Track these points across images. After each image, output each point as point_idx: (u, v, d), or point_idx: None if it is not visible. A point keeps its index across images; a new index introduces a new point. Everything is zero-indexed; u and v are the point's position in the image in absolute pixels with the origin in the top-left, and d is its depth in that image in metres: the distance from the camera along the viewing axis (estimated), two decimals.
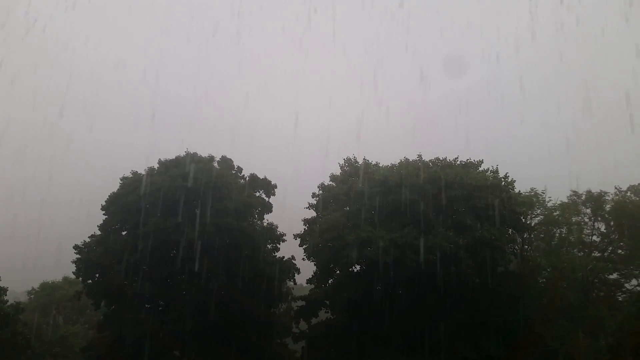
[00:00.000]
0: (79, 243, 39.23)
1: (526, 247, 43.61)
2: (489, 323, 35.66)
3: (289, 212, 46.78)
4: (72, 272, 40.65)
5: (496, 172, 40.65)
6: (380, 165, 41.33)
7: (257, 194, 43.30)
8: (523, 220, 41.10)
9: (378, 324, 36.44)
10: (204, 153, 41.87)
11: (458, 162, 41.13)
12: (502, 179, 40.28)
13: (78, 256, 38.80)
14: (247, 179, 43.33)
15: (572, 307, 38.40)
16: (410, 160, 40.83)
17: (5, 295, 41.15)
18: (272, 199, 43.45)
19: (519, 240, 42.41)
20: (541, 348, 35.19)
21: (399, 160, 41.29)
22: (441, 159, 41.29)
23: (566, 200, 43.68)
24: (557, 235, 43.82)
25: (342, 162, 43.61)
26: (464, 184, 37.12)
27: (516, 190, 40.57)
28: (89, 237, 39.52)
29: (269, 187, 43.62)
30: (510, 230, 39.70)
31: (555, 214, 43.17)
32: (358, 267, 39.11)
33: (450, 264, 34.28)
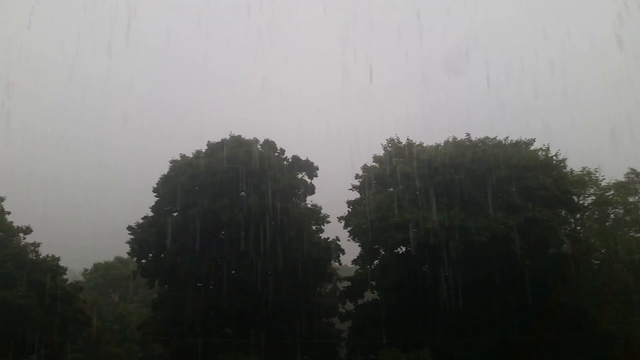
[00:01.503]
0: (132, 224, 40.73)
1: (578, 228, 42.18)
2: (541, 305, 34.88)
3: (329, 194, 47.03)
4: (127, 253, 42.26)
5: (547, 150, 39.34)
6: (425, 145, 40.69)
7: (300, 175, 43.60)
8: (575, 200, 39.72)
9: (425, 305, 36.31)
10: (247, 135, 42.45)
11: (508, 141, 40.00)
12: (553, 158, 38.97)
13: (132, 237, 40.32)
14: (290, 160, 43.64)
15: (629, 289, 37.02)
16: (458, 139, 39.98)
17: (65, 274, 43.26)
18: (313, 181, 43.73)
19: (572, 221, 41.04)
20: (596, 332, 34.15)
21: (444, 140, 40.57)
22: (490, 137, 40.23)
23: (623, 179, 41.75)
24: (612, 215, 42.10)
25: (384, 142, 43.16)
26: (513, 164, 36.14)
27: (568, 169, 39.18)
28: (141, 218, 40.93)
29: (311, 169, 43.77)
30: (562, 210, 38.48)
31: (609, 193, 41.46)
32: (404, 249, 38.96)
33: (501, 246, 33.65)
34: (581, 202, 41.16)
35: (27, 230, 40.91)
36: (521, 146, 39.57)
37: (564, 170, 38.66)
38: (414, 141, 41.04)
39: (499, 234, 33.80)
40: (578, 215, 41.80)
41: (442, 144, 40.06)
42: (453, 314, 36.01)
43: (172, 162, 41.49)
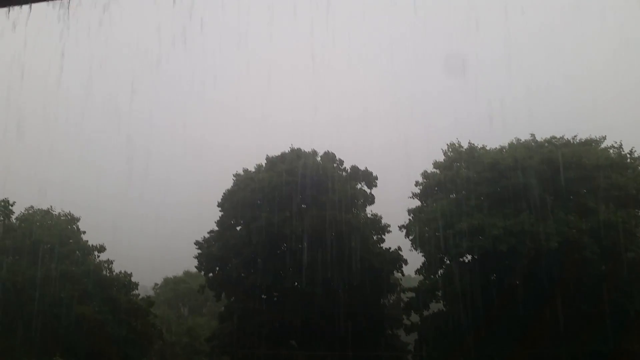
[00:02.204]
0: (200, 239, 42.06)
1: None
2: (622, 314, 32.69)
3: (387, 203, 46.49)
4: (195, 267, 43.60)
5: (619, 148, 37.07)
6: (488, 148, 39.40)
7: (359, 185, 43.46)
8: None
9: (494, 315, 34.96)
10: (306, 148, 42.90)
11: (577, 141, 38.08)
12: (627, 155, 36.70)
13: (199, 251, 41.60)
14: (349, 171, 43.63)
15: None
16: (522, 140, 38.47)
17: (137, 289, 45.17)
18: (373, 191, 43.43)
19: None
20: None
21: (508, 142, 39.16)
22: (557, 137, 38.46)
23: None
24: None
25: (445, 147, 42.18)
26: (583, 164, 34.31)
27: None
28: (207, 232, 42.18)
29: (370, 179, 43.57)
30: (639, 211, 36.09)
31: None
32: (469, 257, 37.77)
33: (573, 251, 31.94)
34: None
35: (101, 249, 43.15)
36: (591, 145, 37.52)
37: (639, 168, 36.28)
38: (476, 144, 39.86)
39: (571, 239, 32.09)
40: None
41: (507, 146, 38.65)
42: (525, 324, 34.48)
43: (236, 176, 42.58)
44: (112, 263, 43.60)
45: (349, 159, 44.39)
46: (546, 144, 37.74)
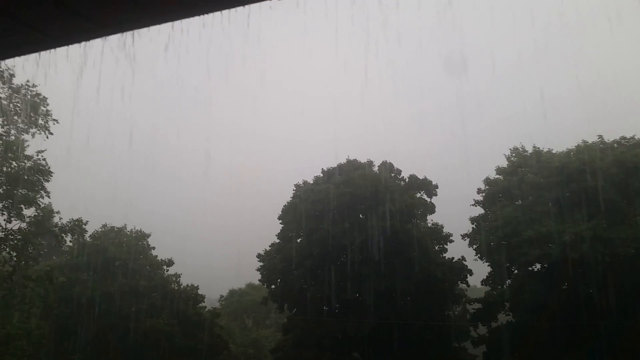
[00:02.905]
0: (261, 252, 42.73)
1: None
2: None
3: (449, 212, 45.44)
4: (258, 280, 44.29)
5: None
6: (555, 152, 37.66)
7: (418, 195, 42.70)
8: None
9: (567, 327, 33.12)
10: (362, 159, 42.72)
11: None
12: None
13: (261, 264, 42.25)
14: (407, 180, 42.99)
15: None
16: (590, 142, 36.47)
17: (204, 302, 46.44)
18: (434, 200, 42.57)
19: None
20: None
21: (575, 144, 37.25)
22: (627, 137, 36.14)
23: None
24: None
25: (508, 152, 40.76)
26: None
27: None
28: (269, 245, 42.81)
29: (429, 187, 42.73)
30: None
31: None
32: (538, 266, 36.08)
33: None
34: None
35: (170, 263, 44.82)
36: None
37: None
38: (541, 148, 38.23)
39: None
40: None
41: (574, 149, 36.76)
42: (600, 335, 32.43)
43: (296, 187, 42.98)
44: (180, 276, 45.16)
45: (410, 170, 43.86)
46: (616, 145, 35.58)
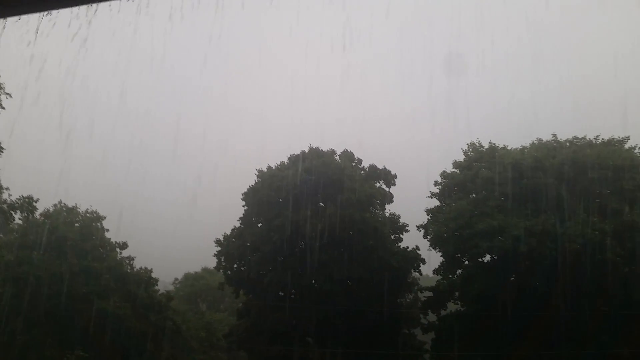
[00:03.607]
0: (221, 237, 42.39)
1: None
2: None
3: (406, 202, 46.37)
4: (213, 267, 43.91)
5: None
6: (509, 148, 39.03)
7: (377, 184, 43.36)
8: None
9: (512, 316, 34.67)
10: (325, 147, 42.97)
11: (599, 140, 37.50)
12: None
13: (218, 249, 41.96)
14: (367, 169, 43.53)
15: None
16: (544, 140, 37.99)
17: (157, 285, 45.76)
18: (392, 190, 43.31)
19: None
20: None
21: (529, 142, 38.74)
22: (579, 137, 37.92)
23: None
24: None
25: (465, 147, 41.88)
26: (607, 164, 33.79)
27: None
28: (231, 230, 42.53)
29: (388, 177, 43.41)
30: None
31: None
32: (488, 257, 37.48)
33: (595, 253, 31.52)
34: None
35: (124, 246, 43.87)
36: (614, 145, 36.93)
37: None
38: (497, 144, 39.50)
39: (593, 241, 31.67)
40: None
41: (528, 146, 38.21)
42: (542, 325, 34.16)
43: (259, 173, 42.76)
44: (134, 260, 44.29)
45: (371, 159, 44.31)
46: (568, 144, 37.24)
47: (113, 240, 43.83)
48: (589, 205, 33.60)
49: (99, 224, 43.89)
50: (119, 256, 43.80)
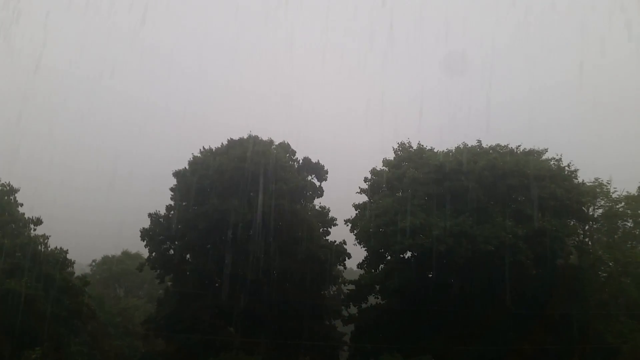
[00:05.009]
0: (152, 212, 40.79)
1: (587, 240, 41.89)
2: (547, 316, 34.72)
3: (336, 197, 47.08)
4: (140, 237, 41.65)
5: (559, 160, 39.13)
6: (436, 150, 40.58)
7: (309, 177, 43.65)
8: (585, 211, 39.50)
9: (429, 311, 36.23)
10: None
11: (520, 150, 39.89)
12: (565, 168, 38.80)
13: (150, 225, 40.36)
14: (300, 162, 43.71)
15: (636, 304, 36.72)
16: (469, 146, 39.83)
17: (72, 267, 43.48)
18: (323, 184, 43.78)
19: (580, 232, 40.80)
20: (601, 345, 33.88)
21: (455, 146, 40.45)
22: (502, 145, 40.11)
23: (635, 193, 41.33)
24: (622, 228, 41.74)
25: (395, 146, 43.00)
26: (525, 173, 36.00)
27: (579, 180, 39.00)
28: (165, 210, 41.15)
29: (320, 172, 43.83)
30: (571, 221, 38.29)
31: (619, 206, 41.14)
32: (410, 254, 38.85)
33: (508, 255, 33.54)
34: (591, 213, 40.92)
35: (38, 222, 41.19)
36: (533, 155, 39.42)
37: (576, 181, 38.44)
38: (425, 146, 40.91)
39: (507, 243, 33.66)
40: (587, 227, 41.53)
41: (454, 150, 39.91)
42: (457, 321, 35.95)
43: (193, 157, 41.58)
44: (49, 238, 41.73)
45: (316, 155, 44.41)
46: (491, 151, 39.27)
47: (27, 215, 41.17)
48: (505, 210, 35.66)
49: (11, 198, 41.07)
50: (32, 233, 41.22)
